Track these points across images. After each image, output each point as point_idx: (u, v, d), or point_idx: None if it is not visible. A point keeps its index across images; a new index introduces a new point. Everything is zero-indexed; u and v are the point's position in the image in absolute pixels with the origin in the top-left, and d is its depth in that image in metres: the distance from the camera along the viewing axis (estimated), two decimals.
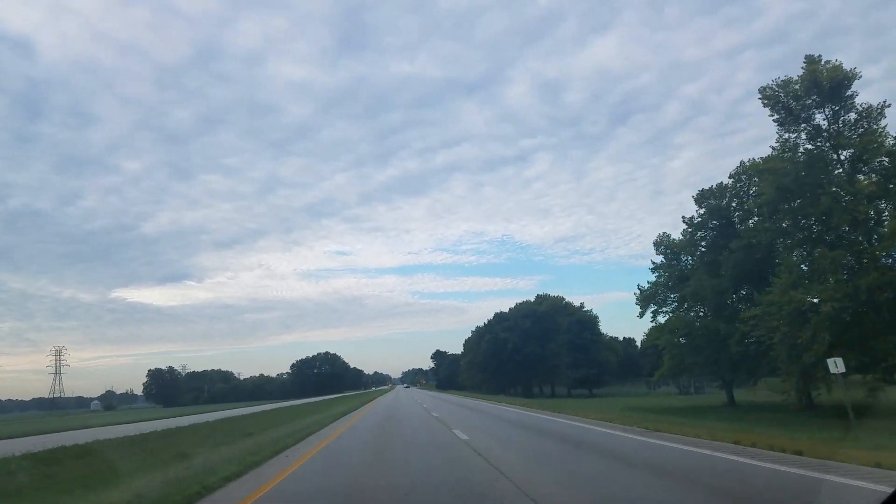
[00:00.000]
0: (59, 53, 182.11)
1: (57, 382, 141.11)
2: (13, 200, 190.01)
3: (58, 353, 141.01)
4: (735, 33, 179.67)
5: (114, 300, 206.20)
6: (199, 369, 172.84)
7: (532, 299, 77.97)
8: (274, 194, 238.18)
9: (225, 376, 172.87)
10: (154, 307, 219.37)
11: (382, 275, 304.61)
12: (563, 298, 77.75)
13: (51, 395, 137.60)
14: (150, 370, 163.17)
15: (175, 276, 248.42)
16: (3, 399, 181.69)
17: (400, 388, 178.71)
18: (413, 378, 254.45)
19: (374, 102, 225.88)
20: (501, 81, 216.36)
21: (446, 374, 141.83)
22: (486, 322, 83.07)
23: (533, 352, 67.53)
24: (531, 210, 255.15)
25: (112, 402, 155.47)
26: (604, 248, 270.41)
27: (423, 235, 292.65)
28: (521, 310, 74.77)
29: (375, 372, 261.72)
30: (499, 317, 77.58)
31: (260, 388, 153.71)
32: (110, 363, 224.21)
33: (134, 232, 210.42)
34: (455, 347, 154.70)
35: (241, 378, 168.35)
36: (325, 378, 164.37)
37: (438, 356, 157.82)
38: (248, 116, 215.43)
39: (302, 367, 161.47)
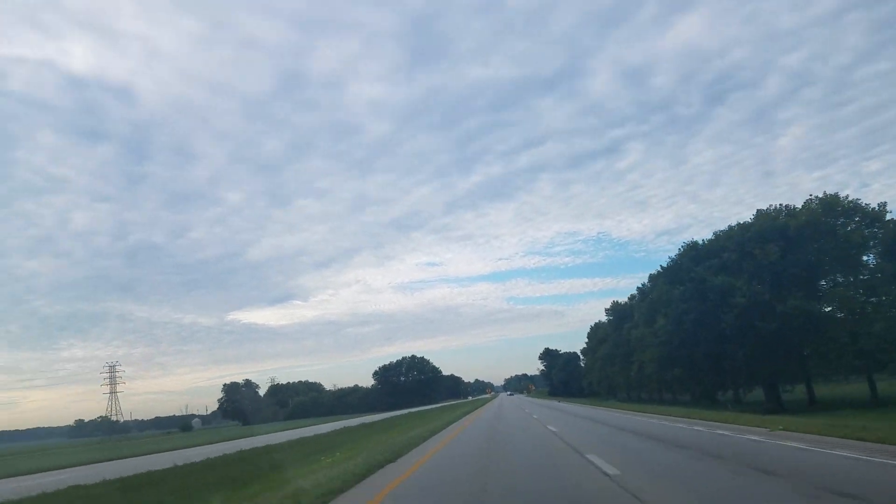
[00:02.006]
0: (156, 97, 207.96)
1: (113, 403, 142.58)
2: (132, 237, 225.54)
3: (112, 370, 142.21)
4: None
5: (230, 322, 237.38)
6: (285, 381, 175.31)
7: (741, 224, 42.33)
8: (363, 212, 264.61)
9: (312, 388, 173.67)
10: (267, 327, 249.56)
11: (475, 282, 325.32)
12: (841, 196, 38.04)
13: (108, 415, 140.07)
14: (225, 385, 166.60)
15: (282, 297, 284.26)
16: (139, 419, 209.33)
17: (503, 395, 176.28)
18: (518, 385, 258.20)
19: (452, 110, 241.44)
20: (581, 73, 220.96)
21: (561, 377, 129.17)
22: (662, 267, 54.75)
23: (795, 310, 33.43)
24: (627, 203, 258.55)
25: (189, 423, 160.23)
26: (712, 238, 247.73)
27: (513, 240, 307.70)
28: (754, 230, 39.29)
29: (476, 380, 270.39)
30: (690, 251, 45.50)
31: (340, 400, 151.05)
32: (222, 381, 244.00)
33: (241, 258, 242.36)
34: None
35: (328, 390, 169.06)
36: (412, 386, 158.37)
37: (549, 356, 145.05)
38: (333, 139, 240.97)
39: (386, 374, 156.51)
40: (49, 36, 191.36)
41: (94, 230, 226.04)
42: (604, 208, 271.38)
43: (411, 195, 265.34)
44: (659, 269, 52.52)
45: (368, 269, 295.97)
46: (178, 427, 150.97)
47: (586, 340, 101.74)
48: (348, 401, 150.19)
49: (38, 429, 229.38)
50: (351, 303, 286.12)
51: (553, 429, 21.80)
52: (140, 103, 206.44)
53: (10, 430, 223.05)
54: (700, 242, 45.29)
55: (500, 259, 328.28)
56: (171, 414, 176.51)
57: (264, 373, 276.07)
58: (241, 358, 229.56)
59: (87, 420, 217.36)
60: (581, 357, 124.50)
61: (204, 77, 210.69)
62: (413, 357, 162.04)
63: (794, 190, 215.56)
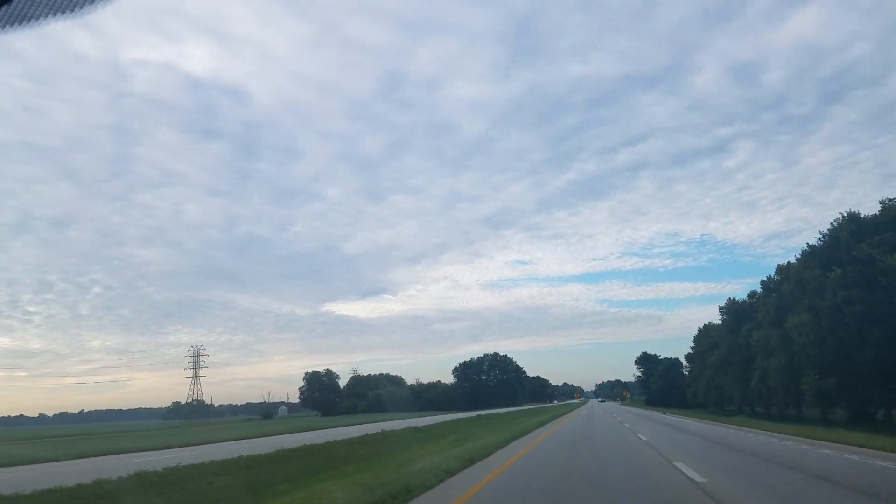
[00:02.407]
0: (267, 97, 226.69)
1: (195, 387, 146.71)
2: (240, 230, 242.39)
3: (196, 354, 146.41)
4: None
5: (324, 314, 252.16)
6: (367, 373, 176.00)
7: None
8: (454, 209, 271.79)
9: (393, 381, 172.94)
10: (358, 319, 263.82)
11: (566, 283, 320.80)
12: None
13: (192, 398, 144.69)
14: (306, 373, 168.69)
15: (373, 291, 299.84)
16: (233, 404, 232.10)
17: (594, 402, 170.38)
18: (610, 391, 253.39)
19: (548, 108, 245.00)
20: (687, 69, 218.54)
21: (660, 385, 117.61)
22: (809, 246, 43.08)
23: None
24: (734, 205, 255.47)
25: (271, 410, 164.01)
26: None
27: (607, 240, 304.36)
28: None
29: (564, 383, 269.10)
30: (850, 224, 36.17)
31: (419, 395, 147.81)
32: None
33: (337, 252, 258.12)
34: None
35: (409, 384, 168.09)
36: (493, 386, 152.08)
37: (647, 362, 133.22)
38: (429, 138, 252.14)
39: (466, 372, 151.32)
40: (171, 40, 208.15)
41: (204, 222, 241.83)
42: (709, 209, 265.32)
43: (503, 193, 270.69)
44: (805, 246, 42.14)
45: (458, 265, 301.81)
46: (261, 414, 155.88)
47: (692, 345, 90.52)
48: (427, 396, 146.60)
49: (139, 409, 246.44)
50: (439, 299, 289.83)
51: (690, 473, 12.27)
52: (252, 104, 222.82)
53: (114, 409, 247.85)
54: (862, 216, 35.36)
55: (593, 259, 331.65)
56: (262, 400, 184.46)
57: (352, 364, 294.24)
58: (331, 349, 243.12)
59: (183, 403, 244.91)
60: (685, 364, 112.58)
61: (311, 79, 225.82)
62: (496, 355, 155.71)
63: None
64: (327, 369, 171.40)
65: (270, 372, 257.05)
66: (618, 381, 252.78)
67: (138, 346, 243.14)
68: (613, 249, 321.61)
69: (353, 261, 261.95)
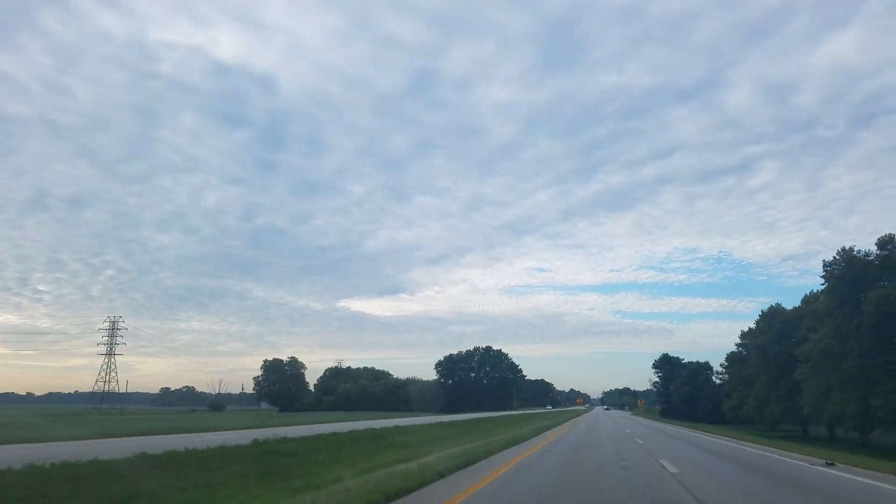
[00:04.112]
0: (295, 88, 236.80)
1: (108, 368, 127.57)
2: (258, 220, 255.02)
3: (113, 327, 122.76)
4: None
5: (339, 309, 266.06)
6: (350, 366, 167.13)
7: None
8: (478, 212, 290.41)
9: (379, 376, 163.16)
10: (373, 317, 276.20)
11: (583, 292, 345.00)
12: None
13: (101, 384, 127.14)
14: (265, 361, 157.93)
15: (391, 290, 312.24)
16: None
17: (599, 409, 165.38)
18: (617, 399, 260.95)
19: (579, 117, 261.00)
20: (720, 85, 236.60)
21: (684, 394, 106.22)
22: None
23: None
24: (754, 224, 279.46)
25: (221, 402, 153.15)
26: None
27: (627, 252, 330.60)
28: None
29: (571, 389, 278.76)
30: None
31: (392, 393, 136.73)
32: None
33: (357, 249, 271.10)
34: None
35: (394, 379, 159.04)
36: (483, 385, 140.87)
37: (667, 365, 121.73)
38: (457, 139, 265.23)
39: (451, 366, 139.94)
40: (201, 24, 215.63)
41: (223, 210, 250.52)
42: (729, 227, 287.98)
43: (528, 200, 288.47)
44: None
45: (477, 269, 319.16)
46: (209, 405, 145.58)
47: (738, 342, 79.12)
48: (401, 394, 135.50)
49: (135, 393, 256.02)
50: (456, 301, 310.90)
51: None
52: (279, 93, 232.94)
53: (116, 392, 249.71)
54: None
55: (611, 271, 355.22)
56: (215, 391, 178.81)
57: (365, 361, 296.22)
58: (345, 344, 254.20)
59: (172, 389, 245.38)
60: (720, 371, 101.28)
61: (341, 72, 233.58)
62: (488, 349, 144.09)
63: None
64: (292, 357, 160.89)
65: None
66: (626, 389, 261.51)
67: (148, 331, 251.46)
68: (632, 262, 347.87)
69: (373, 258, 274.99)
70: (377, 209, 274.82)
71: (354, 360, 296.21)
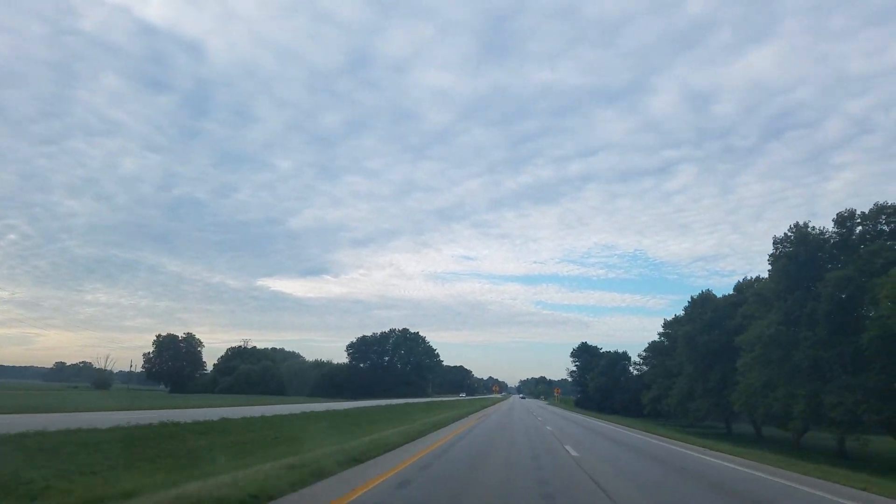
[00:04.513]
0: (226, 56, 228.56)
1: None
2: (177, 190, 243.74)
3: None
4: None
5: (258, 288, 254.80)
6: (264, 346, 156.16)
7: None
8: (409, 197, 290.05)
9: (289, 357, 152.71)
10: (294, 297, 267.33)
11: (506, 282, 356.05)
12: None
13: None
14: (157, 337, 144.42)
15: (315, 270, 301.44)
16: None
17: (516, 398, 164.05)
18: (533, 388, 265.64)
19: (512, 110, 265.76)
20: (646, 90, 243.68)
21: (600, 384, 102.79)
22: None
23: None
24: (669, 225, 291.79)
25: (107, 379, 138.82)
26: (747, 270, 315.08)
27: (550, 245, 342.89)
28: None
29: (490, 377, 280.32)
30: None
31: (298, 376, 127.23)
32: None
33: (281, 226, 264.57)
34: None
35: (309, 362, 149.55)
36: (398, 370, 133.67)
37: (585, 354, 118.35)
38: (391, 122, 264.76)
39: (364, 349, 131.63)
40: None
41: (140, 178, 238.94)
42: (645, 227, 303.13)
43: (459, 187, 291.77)
44: None
45: (404, 253, 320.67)
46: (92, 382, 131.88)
47: (661, 331, 75.31)
48: (309, 377, 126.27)
49: (28, 368, 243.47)
50: (381, 285, 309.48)
51: None
52: (208, 60, 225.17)
53: (17, 367, 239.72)
54: None
55: (534, 262, 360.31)
56: (101, 367, 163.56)
57: (283, 343, 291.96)
58: (262, 325, 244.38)
59: (68, 364, 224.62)
60: (638, 362, 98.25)
61: (275, 44, 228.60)
62: (405, 332, 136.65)
63: None
64: (188, 333, 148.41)
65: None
66: (542, 379, 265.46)
67: (51, 301, 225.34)
68: (554, 254, 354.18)
69: (297, 237, 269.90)
70: (304, 186, 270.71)
71: (272, 341, 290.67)
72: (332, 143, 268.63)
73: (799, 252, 35.66)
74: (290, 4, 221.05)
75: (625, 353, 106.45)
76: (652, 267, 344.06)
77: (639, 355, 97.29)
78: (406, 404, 56.72)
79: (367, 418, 32.07)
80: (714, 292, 61.81)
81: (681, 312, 69.82)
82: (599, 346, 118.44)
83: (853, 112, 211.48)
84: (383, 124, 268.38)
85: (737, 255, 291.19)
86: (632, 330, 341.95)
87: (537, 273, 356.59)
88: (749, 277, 57.44)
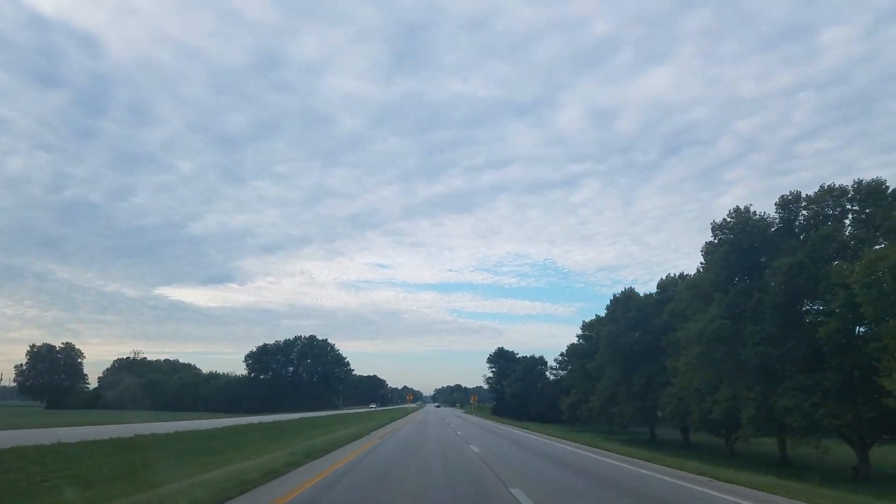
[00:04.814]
0: (123, 52, 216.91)
1: None
2: (68, 192, 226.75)
3: None
4: (793, 72, 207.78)
5: (156, 297, 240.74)
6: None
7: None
8: (320, 203, 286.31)
9: (180, 370, 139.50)
10: (195, 307, 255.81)
11: (421, 290, 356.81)
12: None
13: None
14: (31, 348, 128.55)
15: (218, 278, 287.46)
16: None
17: (431, 407, 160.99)
18: (449, 397, 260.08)
19: (426, 119, 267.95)
20: (553, 105, 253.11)
21: (517, 389, 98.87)
22: None
23: None
24: (576, 235, 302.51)
25: None
26: (647, 279, 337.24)
27: (465, 254, 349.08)
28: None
29: (404, 386, 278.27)
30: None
31: (190, 389, 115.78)
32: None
33: (182, 231, 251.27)
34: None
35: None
36: (304, 381, 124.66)
37: (501, 359, 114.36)
38: (302, 126, 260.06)
39: (265, 359, 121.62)
40: None
41: (27, 178, 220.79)
42: (554, 236, 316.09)
43: (373, 194, 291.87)
44: None
45: (316, 261, 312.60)
46: None
47: (580, 334, 71.89)
48: (202, 391, 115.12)
49: None
50: (291, 293, 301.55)
51: None
52: (104, 56, 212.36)
53: None
54: None
55: (449, 270, 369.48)
56: None
57: (184, 355, 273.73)
58: (161, 336, 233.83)
59: None
60: (554, 367, 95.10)
61: (176, 41, 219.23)
62: (311, 339, 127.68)
63: None
64: (67, 342, 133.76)
65: (90, 355, 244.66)
66: (458, 386, 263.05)
67: None
68: (468, 263, 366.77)
69: (200, 243, 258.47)
70: (208, 189, 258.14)
71: (171, 353, 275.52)
72: (239, 146, 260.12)
73: (741, 239, 31.96)
74: (192, 1, 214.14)
75: (541, 358, 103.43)
76: (561, 275, 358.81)
77: (555, 360, 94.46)
78: (302, 420, 49.52)
79: (238, 440, 25.21)
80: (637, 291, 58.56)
81: (590, 318, 67.73)
82: (516, 352, 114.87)
83: (743, 131, 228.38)
84: (294, 128, 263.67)
85: (637, 266, 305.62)
86: (543, 337, 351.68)
87: (452, 281, 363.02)
88: (672, 275, 54.51)
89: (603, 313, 72.11)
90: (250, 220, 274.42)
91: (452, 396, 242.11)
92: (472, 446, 22.95)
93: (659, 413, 50.29)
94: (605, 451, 22.65)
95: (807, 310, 30.28)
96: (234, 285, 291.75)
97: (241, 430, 31.30)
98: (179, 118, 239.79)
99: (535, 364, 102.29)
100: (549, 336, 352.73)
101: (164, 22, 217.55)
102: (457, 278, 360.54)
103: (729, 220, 33.31)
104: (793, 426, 27.24)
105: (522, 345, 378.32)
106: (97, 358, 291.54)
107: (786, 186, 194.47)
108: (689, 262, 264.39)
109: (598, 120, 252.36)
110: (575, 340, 75.43)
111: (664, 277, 54.41)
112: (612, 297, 58.22)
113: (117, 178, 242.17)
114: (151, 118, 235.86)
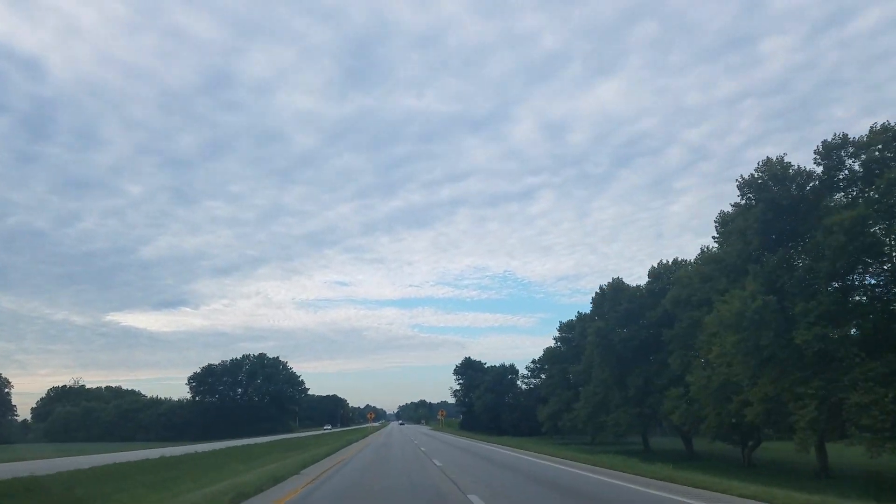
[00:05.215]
0: (67, 75, 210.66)
1: None
2: (11, 219, 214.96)
3: None
4: (736, 81, 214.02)
5: (107, 324, 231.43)
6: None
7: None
8: (276, 222, 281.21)
9: (123, 395, 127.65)
10: (147, 332, 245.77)
11: (382, 307, 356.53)
12: None
13: None
14: None
15: (171, 302, 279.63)
16: None
17: (394, 425, 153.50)
18: (413, 413, 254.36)
19: (381, 135, 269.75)
20: (507, 119, 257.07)
21: (487, 402, 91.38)
22: None
23: None
24: (534, 247, 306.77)
25: None
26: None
27: (425, 268, 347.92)
28: None
29: (367, 405, 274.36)
30: None
31: (128, 417, 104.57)
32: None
33: (132, 256, 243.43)
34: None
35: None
36: (255, 403, 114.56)
37: (468, 370, 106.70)
38: (255, 144, 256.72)
39: (209, 381, 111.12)
40: None
41: None
42: (513, 248, 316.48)
43: (330, 211, 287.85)
44: None
45: (272, 281, 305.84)
46: None
47: (557, 336, 65.29)
48: (142, 418, 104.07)
49: None
50: (247, 315, 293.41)
51: None
52: (47, 79, 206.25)
53: None
54: None
55: (410, 286, 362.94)
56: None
57: (137, 383, 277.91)
58: (112, 364, 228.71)
59: None
60: (526, 375, 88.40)
61: (122, 62, 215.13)
62: (261, 357, 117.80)
63: (682, 252, 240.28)
64: None
65: (36, 387, 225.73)
66: (422, 402, 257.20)
67: None
68: (429, 278, 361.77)
69: (151, 267, 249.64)
70: (158, 212, 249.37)
71: (125, 381, 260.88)
72: (190, 167, 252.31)
73: (779, 195, 25.49)
74: (137, 21, 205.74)
75: (512, 367, 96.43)
76: (521, 287, 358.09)
77: (527, 367, 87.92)
78: (244, 447, 40.98)
79: (131, 482, 17.11)
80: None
81: (551, 331, 61.28)
82: (483, 363, 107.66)
83: (691, 140, 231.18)
84: (246, 147, 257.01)
85: (595, 274, 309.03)
86: (506, 348, 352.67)
87: (413, 296, 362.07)
88: (665, 261, 48.28)
89: (565, 321, 66.45)
90: (203, 241, 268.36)
91: (417, 413, 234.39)
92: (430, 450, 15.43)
93: (663, 423, 43.65)
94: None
95: (869, 278, 23.91)
96: (188, 309, 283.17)
97: (118, 470, 22.69)
98: (127, 141, 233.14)
99: (506, 373, 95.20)
100: (511, 347, 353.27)
101: (109, 43, 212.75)
102: (418, 293, 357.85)
103: (758, 175, 26.87)
104: (873, 427, 20.57)
105: (486, 356, 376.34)
106: (43, 388, 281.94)
107: (733, 193, 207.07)
108: (643, 270, 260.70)
109: (550, 133, 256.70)
110: (540, 351, 68.90)
111: (655, 265, 48.04)
112: (596, 291, 51.61)
113: (63, 203, 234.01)
114: (98, 141, 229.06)
